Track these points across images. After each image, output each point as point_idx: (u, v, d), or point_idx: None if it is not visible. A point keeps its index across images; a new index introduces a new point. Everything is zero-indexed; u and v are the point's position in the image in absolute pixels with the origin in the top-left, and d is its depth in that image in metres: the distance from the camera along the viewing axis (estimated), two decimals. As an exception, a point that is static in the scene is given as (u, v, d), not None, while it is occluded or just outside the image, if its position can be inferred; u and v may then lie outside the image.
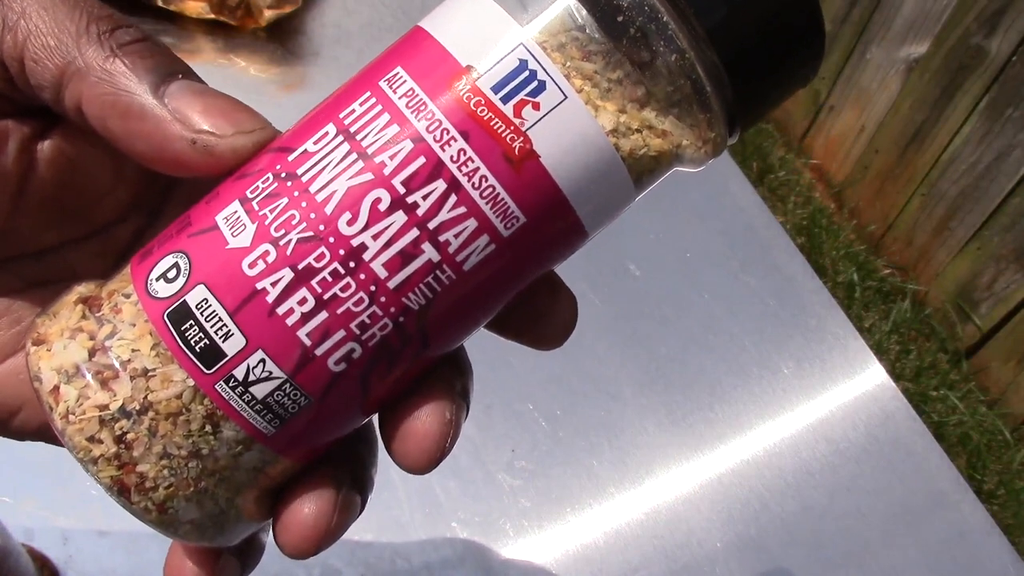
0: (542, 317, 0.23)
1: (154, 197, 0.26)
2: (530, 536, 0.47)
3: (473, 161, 0.20)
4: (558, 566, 0.47)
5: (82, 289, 0.23)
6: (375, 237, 0.20)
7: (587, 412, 0.52)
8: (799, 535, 0.50)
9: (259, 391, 0.21)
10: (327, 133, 0.21)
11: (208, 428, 0.21)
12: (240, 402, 0.21)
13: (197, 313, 0.20)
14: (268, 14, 0.64)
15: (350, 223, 0.20)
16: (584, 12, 0.20)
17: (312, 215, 0.20)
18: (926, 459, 0.55)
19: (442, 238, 0.20)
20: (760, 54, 0.21)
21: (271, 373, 0.21)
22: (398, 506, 0.47)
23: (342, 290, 0.20)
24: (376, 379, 0.21)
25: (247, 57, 0.63)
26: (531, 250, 0.21)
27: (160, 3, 0.63)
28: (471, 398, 0.24)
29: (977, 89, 1.60)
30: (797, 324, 0.59)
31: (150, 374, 0.21)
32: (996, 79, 1.57)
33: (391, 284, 0.20)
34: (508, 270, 0.21)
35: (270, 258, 0.20)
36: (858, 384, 0.57)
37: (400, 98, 0.20)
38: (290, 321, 0.20)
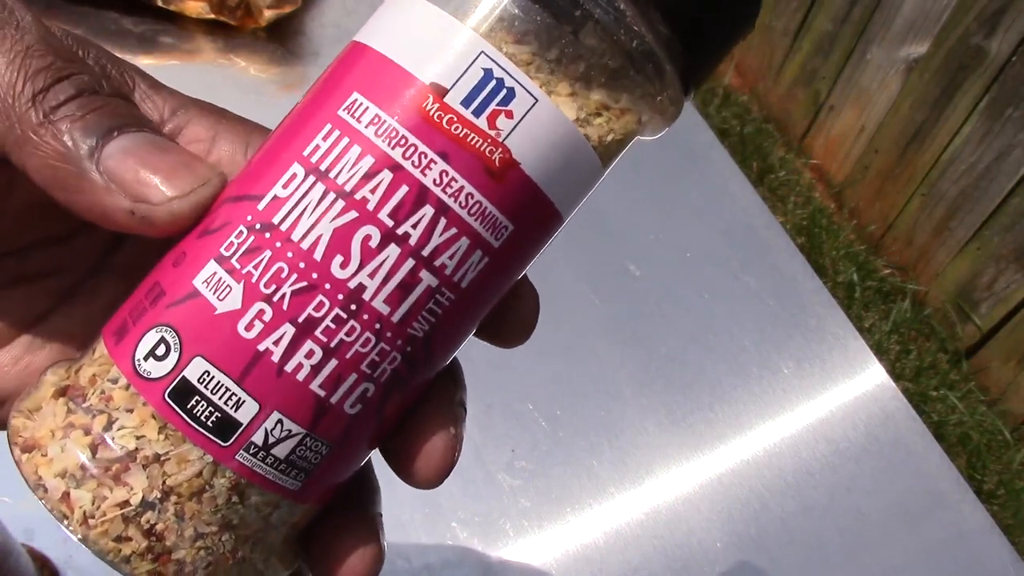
0: (507, 315, 0.23)
1: None
2: (530, 536, 0.47)
3: (457, 181, 0.19)
4: (558, 566, 0.47)
5: (53, 379, 0.21)
6: (372, 275, 0.19)
7: (587, 412, 0.52)
8: (799, 535, 0.50)
9: (281, 451, 0.20)
10: (295, 175, 0.19)
11: (235, 498, 0.20)
12: (263, 466, 0.20)
13: (201, 387, 0.19)
14: (268, 14, 0.64)
15: (343, 266, 0.19)
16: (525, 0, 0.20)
17: (302, 264, 0.19)
18: (926, 459, 0.55)
19: (438, 262, 0.20)
20: (701, 7, 0.20)
21: (290, 431, 0.20)
22: (398, 506, 0.47)
23: (348, 334, 0.20)
24: (390, 409, 0.21)
25: (247, 57, 0.63)
26: (520, 252, 0.21)
27: (160, 3, 0.63)
28: (467, 404, 0.24)
29: (977, 89, 1.60)
30: (797, 324, 0.59)
31: (163, 459, 0.20)
32: (996, 79, 1.57)
33: (395, 318, 0.20)
34: (501, 276, 0.21)
35: (266, 316, 0.19)
36: (858, 384, 0.57)
37: (367, 127, 0.19)
38: (301, 376, 0.20)
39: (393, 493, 0.48)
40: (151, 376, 0.20)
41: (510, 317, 0.23)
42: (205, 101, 0.25)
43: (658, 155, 0.66)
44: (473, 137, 0.19)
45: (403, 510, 0.47)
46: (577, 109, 0.20)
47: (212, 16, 0.63)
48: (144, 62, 0.63)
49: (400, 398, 0.21)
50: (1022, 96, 1.53)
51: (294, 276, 0.19)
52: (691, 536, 0.49)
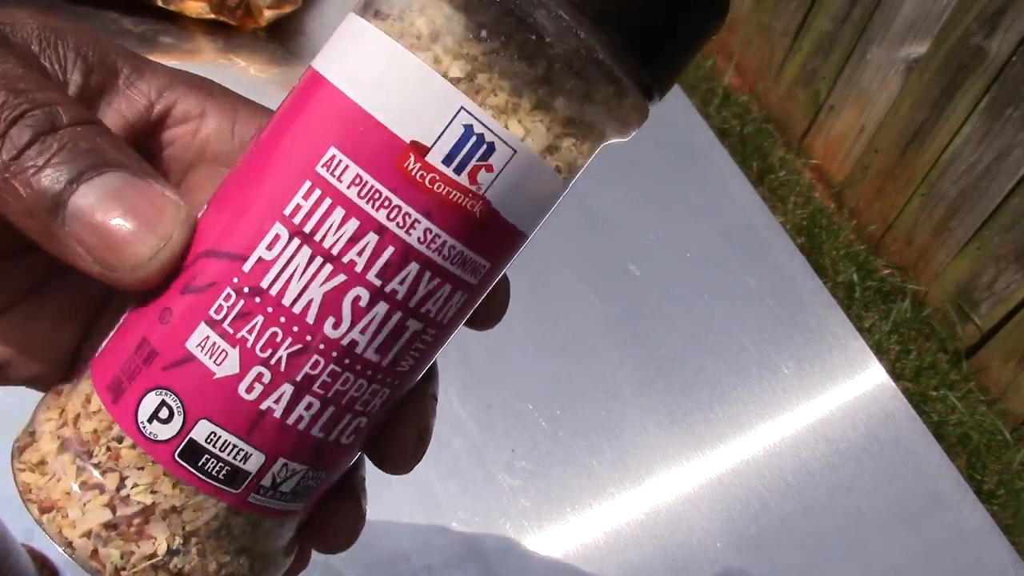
0: (480, 310, 0.23)
1: None
2: (530, 536, 0.47)
3: (440, 236, 0.20)
4: (558, 566, 0.47)
5: (49, 427, 0.22)
6: (363, 331, 0.20)
7: (587, 412, 0.52)
8: (799, 535, 0.50)
9: (287, 487, 0.22)
10: (279, 236, 0.20)
11: (249, 529, 0.22)
12: (273, 501, 0.22)
13: (209, 447, 0.20)
14: (268, 14, 0.64)
15: (336, 326, 0.20)
16: (484, 31, 0.20)
17: (295, 328, 0.20)
18: (926, 459, 0.55)
19: (423, 310, 0.21)
20: (655, 15, 0.20)
21: (295, 470, 0.21)
22: (398, 506, 0.47)
23: (343, 384, 0.21)
24: (379, 426, 0.23)
25: (247, 57, 0.63)
26: (494, 278, 0.22)
27: (160, 3, 0.63)
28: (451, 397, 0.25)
29: (977, 89, 1.60)
30: (797, 324, 0.59)
31: (180, 509, 0.21)
32: (996, 79, 1.57)
33: (385, 363, 0.21)
34: (478, 301, 0.22)
35: (265, 379, 0.20)
36: (858, 384, 0.57)
37: (348, 187, 0.19)
38: (302, 427, 0.21)
39: (394, 494, 0.48)
40: (158, 439, 0.20)
41: (482, 310, 0.23)
42: (191, 74, 0.25)
43: (658, 155, 0.66)
44: (455, 194, 0.20)
45: (403, 510, 0.47)
46: (547, 140, 0.21)
47: (212, 16, 0.63)
48: (144, 62, 0.63)
49: (388, 414, 0.23)
50: (1022, 96, 1.53)
51: (288, 339, 0.20)
52: (691, 536, 0.49)
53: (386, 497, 0.47)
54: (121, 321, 0.22)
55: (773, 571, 0.49)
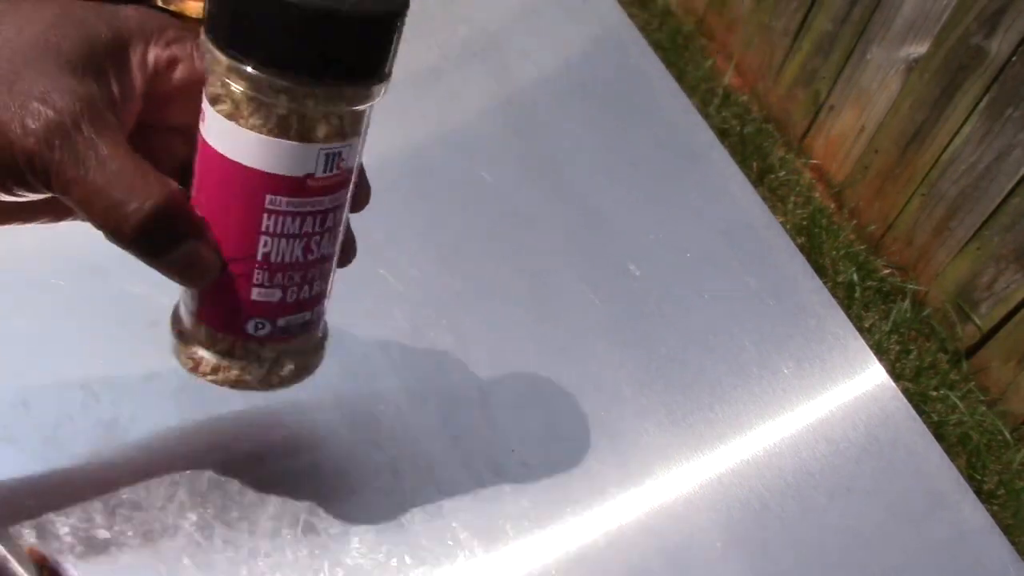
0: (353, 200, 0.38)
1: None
2: (530, 536, 0.47)
3: (337, 205, 0.36)
4: (558, 566, 0.47)
5: (199, 339, 0.38)
6: (328, 246, 0.37)
7: (587, 412, 0.52)
8: (799, 535, 0.50)
9: (300, 320, 0.38)
10: (266, 241, 0.35)
11: (282, 348, 0.39)
12: (290, 334, 0.38)
13: (259, 333, 0.38)
14: (268, 14, 0.64)
15: (305, 254, 0.36)
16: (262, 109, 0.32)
17: (300, 270, 0.36)
18: (926, 459, 0.55)
19: (336, 229, 0.37)
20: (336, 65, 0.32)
21: (303, 316, 0.38)
22: (398, 506, 0.47)
23: (314, 274, 0.37)
24: (332, 270, 0.39)
25: (247, 57, 0.63)
26: (348, 194, 0.37)
27: (160, 3, 0.63)
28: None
29: (977, 89, 1.60)
30: (797, 324, 0.59)
31: (248, 364, 0.38)
32: (996, 79, 1.57)
33: (331, 252, 0.38)
34: (346, 206, 0.37)
35: (290, 298, 0.37)
36: (858, 384, 0.57)
37: (286, 207, 0.35)
38: (293, 299, 0.38)
39: (394, 494, 0.48)
40: (245, 332, 0.37)
41: (353, 201, 0.38)
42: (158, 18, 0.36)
43: (658, 155, 0.66)
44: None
45: (403, 510, 0.47)
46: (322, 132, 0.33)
47: (212, 16, 0.63)
48: (144, 62, 0.63)
49: (333, 259, 0.38)
50: (1022, 96, 1.53)
51: (299, 275, 0.36)
52: (691, 536, 0.49)
53: (387, 498, 0.47)
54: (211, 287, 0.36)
55: (773, 571, 0.49)
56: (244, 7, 0.30)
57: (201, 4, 0.63)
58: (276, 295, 0.36)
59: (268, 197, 0.33)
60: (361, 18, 0.31)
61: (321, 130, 0.33)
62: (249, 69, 0.31)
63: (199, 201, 0.34)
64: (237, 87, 0.32)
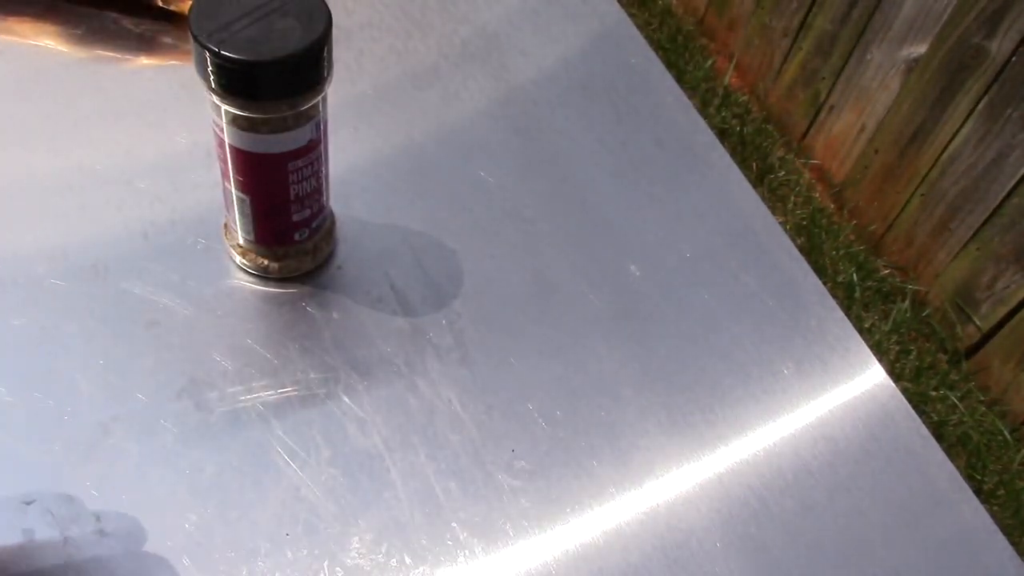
0: None
1: None
2: (530, 536, 0.48)
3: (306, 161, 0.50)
4: (558, 566, 0.47)
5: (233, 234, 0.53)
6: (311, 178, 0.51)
7: (587, 412, 0.52)
8: (799, 535, 0.50)
9: (313, 224, 0.53)
10: (292, 179, 0.50)
11: (301, 244, 0.54)
12: (312, 231, 0.54)
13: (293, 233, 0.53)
14: (268, 14, 0.64)
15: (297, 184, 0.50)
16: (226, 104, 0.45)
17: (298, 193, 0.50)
18: (926, 459, 0.55)
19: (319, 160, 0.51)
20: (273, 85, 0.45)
21: (311, 218, 0.53)
22: (398, 506, 0.47)
23: (316, 190, 0.51)
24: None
25: (247, 57, 0.63)
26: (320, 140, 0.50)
27: (160, 3, 0.63)
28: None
29: (977, 89, 1.60)
30: (797, 324, 0.59)
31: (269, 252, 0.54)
32: (996, 79, 1.57)
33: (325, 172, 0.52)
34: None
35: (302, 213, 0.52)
36: (858, 384, 0.57)
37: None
38: (306, 216, 0.52)
39: (393, 494, 0.48)
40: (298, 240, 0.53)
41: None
42: None
43: (658, 155, 0.66)
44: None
45: (403, 510, 0.47)
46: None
47: (212, 16, 0.63)
48: (144, 62, 0.63)
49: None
50: (1022, 96, 1.53)
51: (316, 196, 0.52)
52: (691, 536, 0.49)
53: (386, 497, 0.47)
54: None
55: (773, 571, 0.49)
56: (213, 67, 0.43)
57: (201, 4, 0.64)
58: (306, 213, 0.51)
59: (289, 164, 0.48)
60: (287, 59, 0.43)
61: (297, 121, 0.46)
62: (229, 107, 0.45)
63: (243, 181, 0.48)
64: (231, 112, 0.45)
